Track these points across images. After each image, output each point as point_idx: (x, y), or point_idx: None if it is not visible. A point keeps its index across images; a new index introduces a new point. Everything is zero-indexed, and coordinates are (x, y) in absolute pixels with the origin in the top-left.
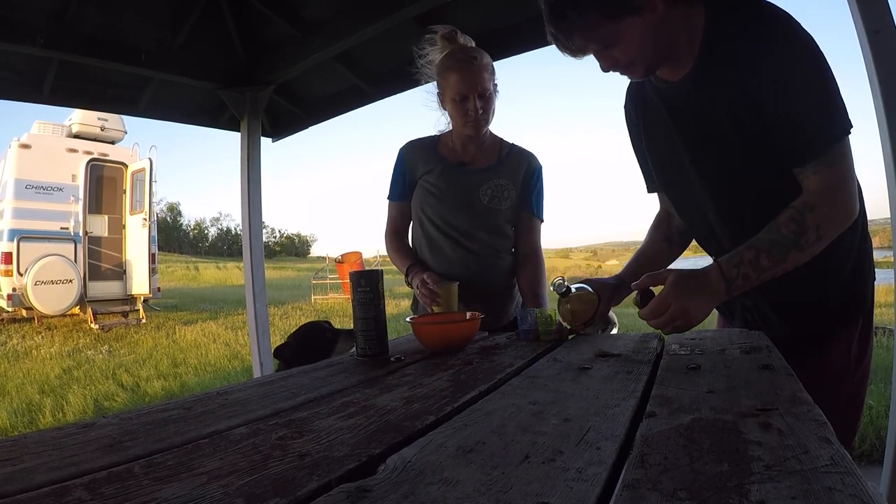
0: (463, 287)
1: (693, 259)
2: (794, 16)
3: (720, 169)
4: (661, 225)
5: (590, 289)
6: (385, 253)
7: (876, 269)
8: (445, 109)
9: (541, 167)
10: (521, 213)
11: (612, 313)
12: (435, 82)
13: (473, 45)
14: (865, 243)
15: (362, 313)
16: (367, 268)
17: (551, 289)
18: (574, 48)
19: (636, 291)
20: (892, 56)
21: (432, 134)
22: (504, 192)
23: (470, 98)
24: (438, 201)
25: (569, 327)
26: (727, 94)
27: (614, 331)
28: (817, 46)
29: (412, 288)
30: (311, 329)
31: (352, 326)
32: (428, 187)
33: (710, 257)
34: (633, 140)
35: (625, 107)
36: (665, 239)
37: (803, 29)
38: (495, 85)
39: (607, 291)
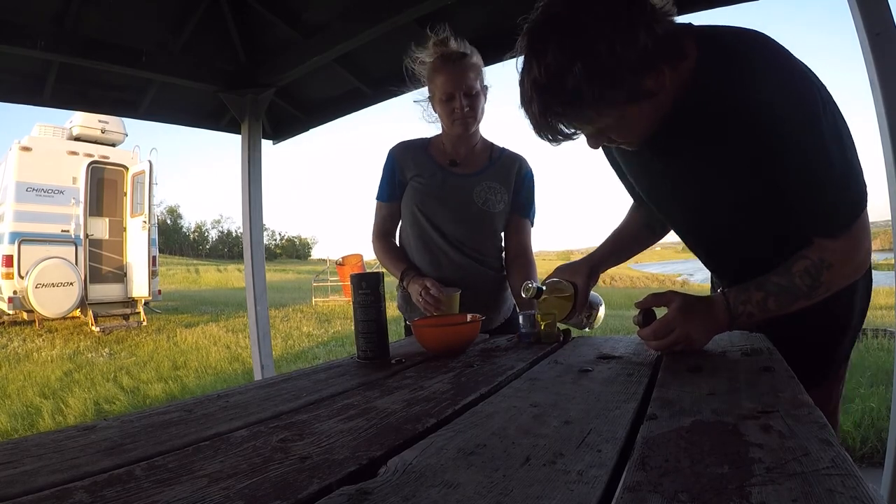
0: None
1: (686, 262)
2: (797, 56)
3: (705, 220)
4: (641, 209)
5: (562, 281)
6: (375, 217)
7: (877, 272)
8: (436, 112)
9: (531, 171)
10: (512, 216)
11: (594, 294)
12: (427, 87)
13: (467, 46)
14: (867, 281)
15: (363, 316)
16: (367, 270)
17: (523, 296)
18: (563, 132)
19: (639, 310)
20: (892, 58)
21: (423, 136)
22: (496, 195)
23: (456, 96)
24: (431, 201)
25: (560, 326)
26: (713, 146)
27: (601, 311)
28: (828, 93)
29: (410, 293)
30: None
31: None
32: (420, 188)
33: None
34: (610, 159)
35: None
36: (647, 225)
37: (813, 76)
38: (485, 87)
39: (581, 278)
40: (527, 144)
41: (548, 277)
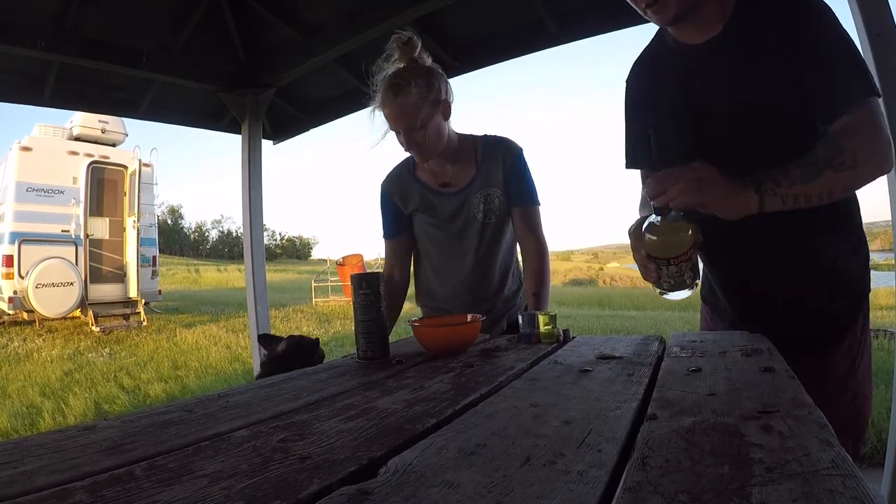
0: (466, 304)
1: None
2: None
3: (749, 129)
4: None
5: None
6: (385, 256)
7: (877, 272)
8: None
9: (520, 150)
10: (515, 208)
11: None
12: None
13: (429, 60)
14: (865, 248)
15: (363, 316)
16: (368, 270)
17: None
18: None
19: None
20: (892, 58)
21: (405, 158)
22: (495, 200)
23: (400, 132)
24: (436, 233)
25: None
26: (762, 55)
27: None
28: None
29: None
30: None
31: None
32: (426, 225)
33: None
34: (632, 113)
35: (627, 81)
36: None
37: (829, 9)
38: (442, 101)
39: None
40: (529, 144)
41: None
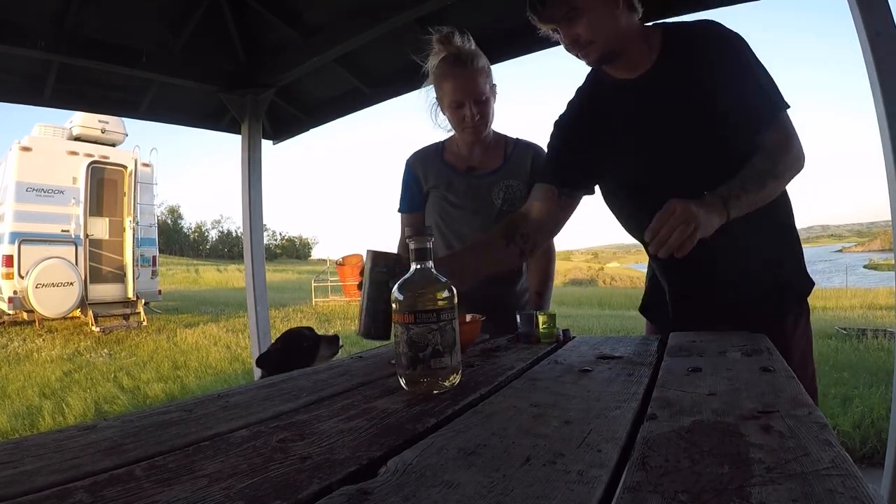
0: (475, 297)
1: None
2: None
3: (682, 146)
4: (510, 223)
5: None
6: (401, 229)
7: (878, 272)
8: (444, 114)
9: None
10: None
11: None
12: (433, 87)
13: (473, 45)
14: (797, 245)
15: (374, 293)
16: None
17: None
18: (546, 15)
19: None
20: (892, 58)
21: (436, 141)
22: (516, 192)
23: (466, 104)
24: (453, 211)
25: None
26: (689, 86)
27: None
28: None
29: None
30: (291, 337)
31: (331, 332)
32: (441, 200)
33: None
34: (566, 136)
35: (570, 103)
36: (504, 236)
37: (743, 39)
38: (493, 86)
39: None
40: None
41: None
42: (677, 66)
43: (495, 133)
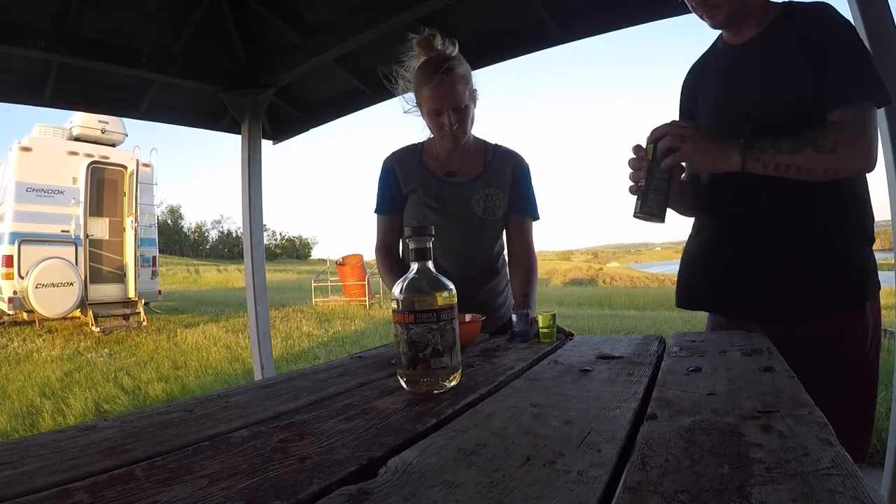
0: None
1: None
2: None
3: (758, 121)
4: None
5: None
6: (377, 230)
7: (878, 272)
8: (424, 120)
9: (528, 167)
10: (513, 216)
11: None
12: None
13: (455, 49)
14: (868, 244)
15: (660, 172)
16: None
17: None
18: None
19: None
20: (893, 59)
21: (414, 143)
22: (496, 200)
23: (444, 112)
24: (430, 214)
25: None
26: (784, 57)
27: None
28: None
29: None
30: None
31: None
32: (421, 205)
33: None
34: (683, 109)
35: (683, 84)
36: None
37: (851, 25)
38: (474, 91)
39: None
40: (522, 145)
41: None
42: (778, 38)
43: (475, 138)
